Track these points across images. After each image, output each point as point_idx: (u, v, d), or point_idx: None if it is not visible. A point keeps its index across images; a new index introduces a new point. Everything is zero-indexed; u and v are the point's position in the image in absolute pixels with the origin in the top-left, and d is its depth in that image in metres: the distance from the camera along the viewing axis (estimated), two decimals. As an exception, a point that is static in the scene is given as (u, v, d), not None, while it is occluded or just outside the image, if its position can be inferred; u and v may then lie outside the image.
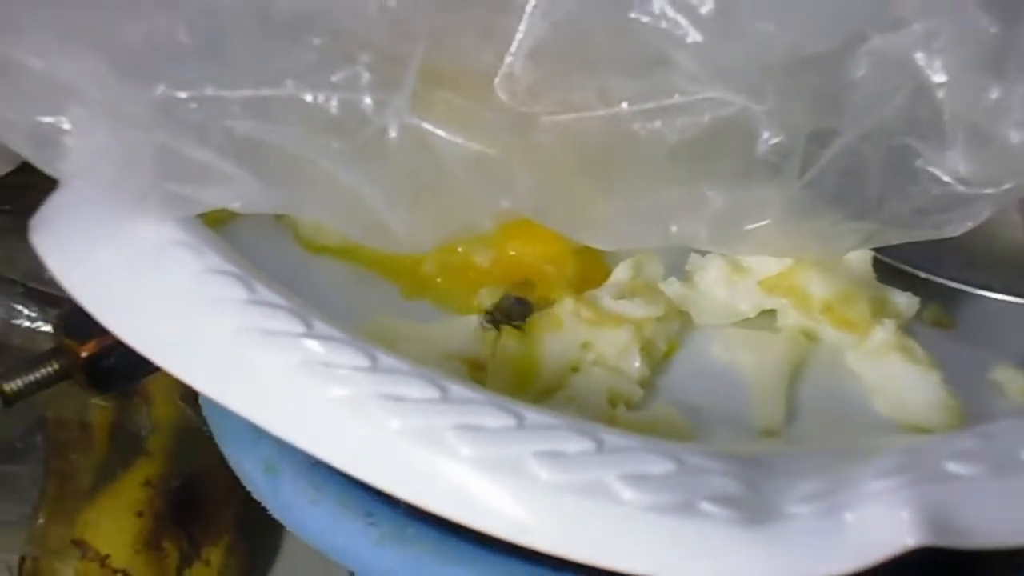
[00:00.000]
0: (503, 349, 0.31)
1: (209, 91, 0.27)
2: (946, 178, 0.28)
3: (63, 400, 0.49)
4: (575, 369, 0.32)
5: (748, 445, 0.30)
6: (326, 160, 0.28)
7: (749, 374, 0.32)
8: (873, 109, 0.28)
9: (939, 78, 0.27)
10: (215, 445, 0.35)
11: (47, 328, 0.47)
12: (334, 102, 0.27)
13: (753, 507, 0.24)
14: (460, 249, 0.35)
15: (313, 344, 0.27)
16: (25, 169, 0.37)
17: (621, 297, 0.33)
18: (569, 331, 0.32)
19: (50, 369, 0.34)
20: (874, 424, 0.31)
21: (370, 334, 0.28)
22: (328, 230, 0.35)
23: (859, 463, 0.25)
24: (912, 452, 0.25)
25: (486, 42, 0.28)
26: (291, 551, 0.52)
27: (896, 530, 0.23)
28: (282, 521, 0.32)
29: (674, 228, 0.29)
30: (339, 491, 0.30)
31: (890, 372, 0.31)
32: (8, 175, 0.39)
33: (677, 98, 0.28)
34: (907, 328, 0.33)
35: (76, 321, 0.34)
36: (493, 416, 0.25)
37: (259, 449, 0.32)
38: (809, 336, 0.33)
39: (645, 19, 0.27)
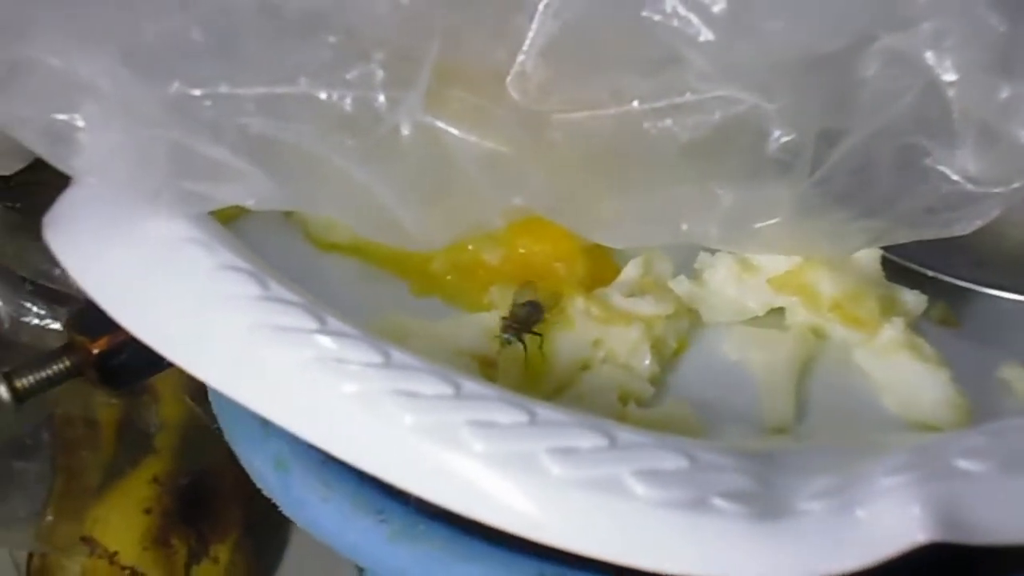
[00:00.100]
0: (515, 349, 0.31)
1: (223, 89, 0.27)
2: (955, 177, 0.29)
3: (71, 397, 0.49)
4: (585, 367, 0.32)
5: (758, 442, 0.30)
6: (339, 157, 0.28)
7: (758, 372, 0.32)
8: (883, 108, 0.28)
9: (949, 77, 0.28)
10: (223, 443, 0.35)
11: (55, 325, 0.47)
12: (348, 100, 0.27)
13: (765, 503, 0.24)
14: (470, 247, 0.35)
15: (326, 340, 0.27)
16: (34, 167, 0.38)
17: (631, 295, 0.33)
18: (579, 329, 0.32)
19: (61, 366, 0.34)
20: (883, 421, 0.31)
21: (380, 331, 0.28)
22: (338, 227, 0.35)
23: (869, 460, 0.25)
24: (922, 449, 0.25)
25: (498, 41, 0.28)
26: (298, 548, 0.52)
27: (907, 526, 0.23)
28: (293, 518, 0.32)
29: (685, 226, 0.30)
30: (350, 488, 0.30)
31: (899, 370, 0.31)
32: (17, 173, 0.39)
33: (688, 96, 0.28)
34: (915, 326, 0.33)
35: (88, 318, 0.34)
36: (506, 412, 0.25)
37: (270, 446, 0.32)
38: (818, 334, 0.33)
39: (657, 18, 0.27)
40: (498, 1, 0.28)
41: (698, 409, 0.31)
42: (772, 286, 0.33)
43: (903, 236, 0.30)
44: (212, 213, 0.31)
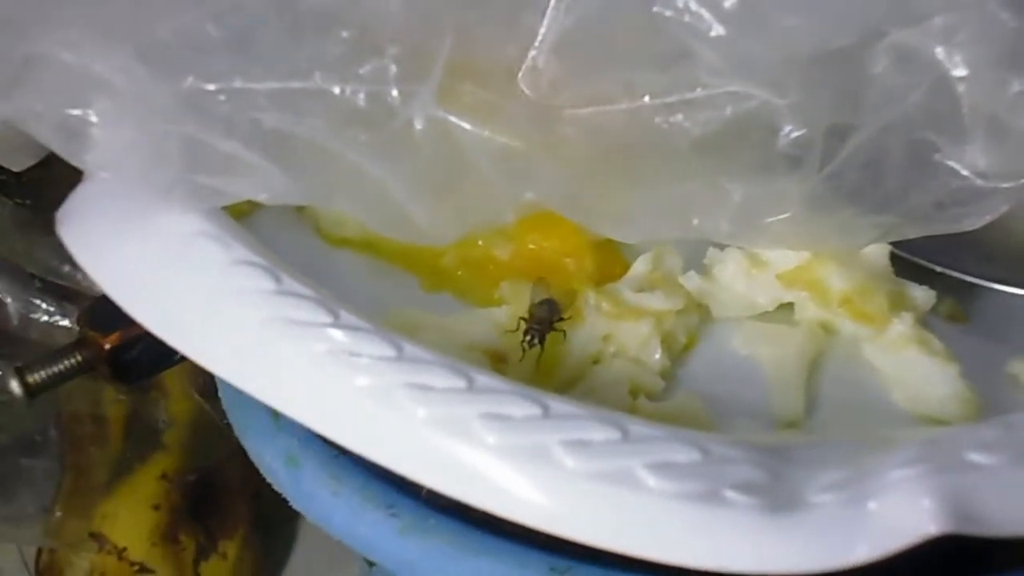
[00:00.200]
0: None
1: (237, 84, 0.27)
2: (965, 172, 0.29)
3: (79, 394, 0.49)
4: (596, 361, 0.32)
5: (769, 436, 0.30)
6: (352, 152, 0.28)
7: (768, 366, 0.32)
8: (893, 103, 0.28)
9: (959, 72, 0.28)
10: (231, 439, 0.36)
11: (65, 322, 0.47)
12: (361, 95, 0.28)
13: (777, 496, 0.24)
14: (480, 242, 0.35)
15: (339, 334, 0.27)
16: (46, 163, 0.38)
17: (641, 290, 0.33)
18: (590, 324, 0.32)
19: (73, 361, 0.34)
20: (892, 416, 0.31)
21: (391, 326, 0.28)
22: (349, 223, 0.35)
23: (880, 453, 0.25)
24: (933, 442, 0.25)
25: (510, 36, 0.28)
26: (306, 544, 0.52)
27: (919, 518, 0.23)
28: (303, 513, 0.32)
29: (695, 221, 0.30)
30: (360, 482, 0.30)
31: (908, 365, 0.31)
32: (28, 170, 0.40)
33: (699, 92, 0.28)
34: (924, 322, 0.33)
35: (100, 313, 0.34)
36: (519, 405, 0.25)
37: (280, 441, 0.32)
38: (827, 329, 0.33)
39: (668, 13, 0.27)
40: (510, -3, 0.28)
41: (708, 403, 0.31)
42: (781, 281, 0.33)
43: (912, 231, 0.30)
44: (224, 208, 0.31)
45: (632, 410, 0.30)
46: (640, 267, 0.34)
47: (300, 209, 0.36)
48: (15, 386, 0.34)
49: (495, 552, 0.28)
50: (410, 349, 0.27)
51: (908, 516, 0.23)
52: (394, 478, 0.28)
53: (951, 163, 0.29)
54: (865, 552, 0.23)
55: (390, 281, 0.35)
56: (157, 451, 0.49)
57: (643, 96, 0.28)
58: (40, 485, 0.48)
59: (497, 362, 0.31)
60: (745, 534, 0.24)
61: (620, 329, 0.32)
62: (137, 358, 0.34)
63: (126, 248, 0.30)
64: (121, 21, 0.28)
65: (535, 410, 0.25)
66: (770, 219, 0.30)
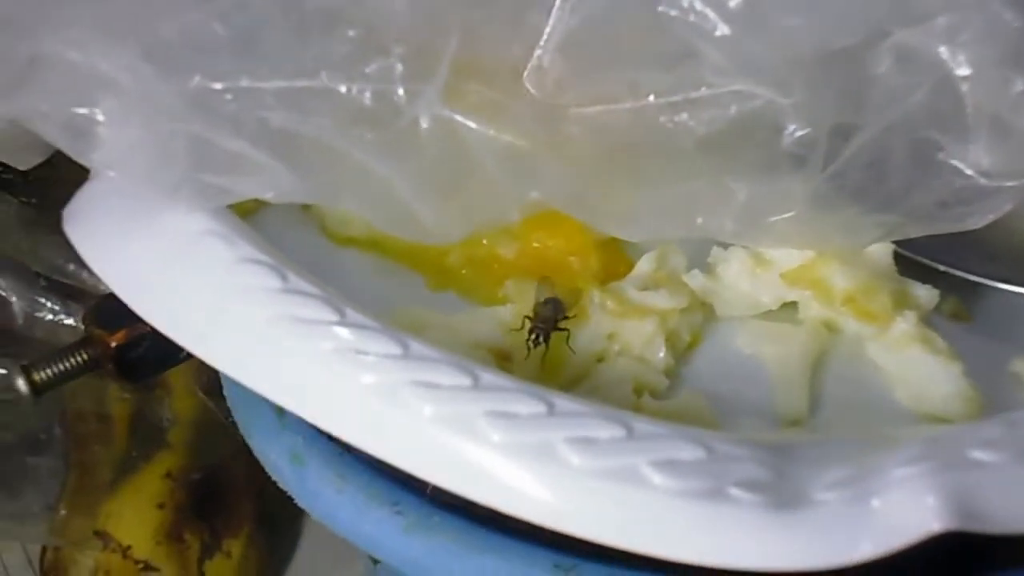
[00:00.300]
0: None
1: (244, 83, 0.28)
2: (968, 171, 0.29)
3: (84, 393, 0.49)
4: (601, 359, 0.32)
5: (773, 434, 0.30)
6: (358, 151, 0.28)
7: (772, 365, 0.32)
8: (897, 102, 0.28)
9: (962, 72, 0.28)
10: (235, 437, 0.36)
11: (70, 321, 0.47)
12: (367, 93, 0.28)
13: (781, 493, 0.24)
14: (485, 241, 0.35)
15: (345, 332, 0.27)
16: (52, 162, 0.38)
17: (645, 289, 0.33)
18: (594, 322, 0.32)
19: (79, 359, 0.35)
20: (895, 414, 0.31)
21: (397, 324, 0.28)
22: (355, 222, 0.35)
23: (884, 451, 0.25)
24: (936, 440, 0.25)
25: (516, 35, 0.28)
26: (311, 542, 0.52)
27: (922, 516, 0.23)
28: (308, 510, 0.32)
29: (700, 220, 0.30)
30: (365, 480, 0.31)
31: (911, 363, 0.32)
32: (33, 168, 0.40)
33: (704, 91, 0.28)
34: (927, 320, 0.33)
35: (105, 311, 0.34)
36: (524, 403, 0.26)
37: (285, 439, 0.32)
38: (831, 328, 0.33)
39: (673, 12, 0.28)
40: (515, -3, 0.28)
41: (712, 401, 0.31)
42: (785, 280, 0.33)
43: (916, 230, 0.30)
44: (231, 207, 0.31)
45: (636, 408, 0.30)
46: (644, 266, 0.34)
47: (306, 208, 0.36)
48: (21, 384, 0.34)
49: (500, 550, 0.28)
50: (416, 347, 0.27)
51: (912, 514, 0.23)
52: (399, 476, 0.28)
53: (954, 162, 0.29)
54: (869, 549, 0.23)
55: (395, 280, 0.35)
56: (162, 449, 0.49)
57: (648, 95, 0.28)
58: (45, 483, 0.48)
59: (502, 360, 0.31)
60: (749, 531, 0.24)
61: (624, 327, 0.32)
62: (143, 356, 0.35)
63: (132, 246, 0.30)
64: (127, 20, 0.28)
65: (540, 408, 0.25)
66: (774, 218, 0.30)
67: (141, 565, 0.47)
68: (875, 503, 0.24)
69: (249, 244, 0.29)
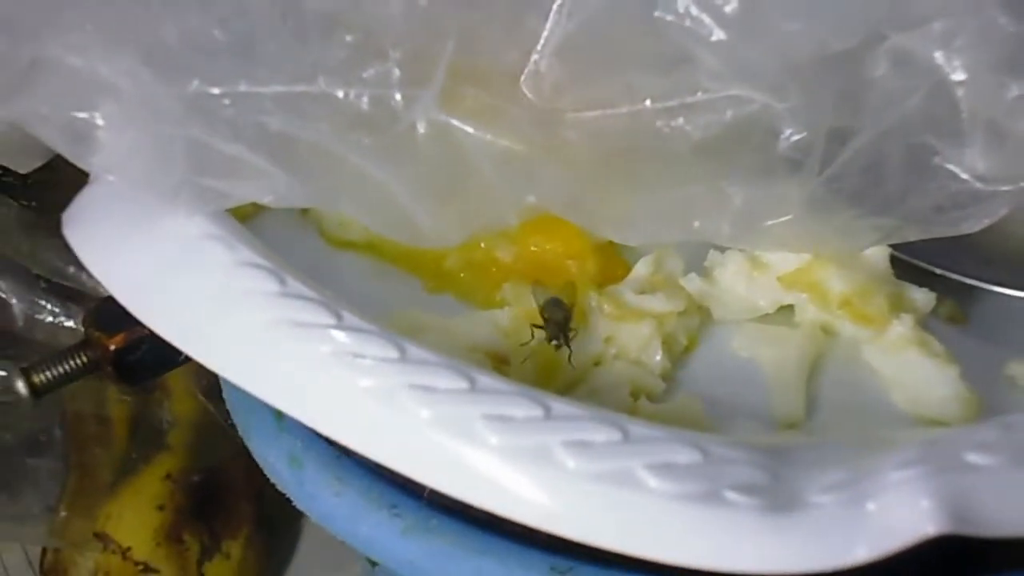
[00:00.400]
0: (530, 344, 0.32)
1: (242, 87, 0.28)
2: (964, 175, 0.29)
3: (84, 395, 0.49)
4: (597, 363, 0.32)
5: (769, 438, 0.30)
6: (356, 155, 0.28)
7: (768, 368, 0.32)
8: (892, 107, 0.28)
9: (958, 76, 0.28)
10: (235, 439, 0.36)
11: (70, 323, 0.47)
12: (365, 98, 0.28)
13: (777, 496, 0.24)
14: (483, 245, 0.35)
15: (343, 335, 0.27)
16: (51, 165, 0.38)
17: (642, 292, 0.33)
18: (592, 325, 0.32)
19: (79, 362, 0.35)
20: (892, 417, 0.31)
21: (394, 327, 0.28)
22: (353, 225, 0.35)
23: (880, 454, 0.25)
24: (932, 443, 0.25)
25: (513, 40, 0.28)
26: (310, 544, 0.52)
27: (917, 519, 0.23)
28: (307, 512, 0.32)
29: (696, 224, 0.30)
30: (363, 483, 0.31)
31: (907, 366, 0.32)
32: (33, 172, 0.40)
33: (700, 96, 0.28)
34: (924, 323, 0.33)
35: (105, 314, 0.34)
36: (521, 406, 0.26)
37: (283, 442, 0.33)
38: (827, 331, 0.33)
39: (669, 17, 0.28)
40: (512, 1, 0.28)
41: (709, 405, 0.31)
42: (782, 283, 0.33)
43: (912, 234, 0.30)
44: (229, 211, 0.31)
45: (633, 411, 0.30)
46: (641, 269, 0.34)
47: (304, 211, 0.36)
48: (21, 386, 0.34)
49: (497, 552, 0.28)
50: (413, 351, 0.27)
51: (907, 517, 0.23)
52: (397, 478, 0.28)
53: (950, 166, 0.29)
54: (864, 553, 0.23)
55: (393, 283, 0.35)
56: (161, 451, 0.49)
57: (644, 100, 0.28)
58: (45, 485, 0.48)
59: (499, 364, 0.31)
60: (745, 534, 0.24)
61: (621, 331, 0.32)
62: (142, 359, 0.35)
63: (131, 250, 0.30)
64: (127, 25, 0.28)
65: (537, 411, 0.26)
66: (771, 222, 0.30)
67: (141, 566, 0.47)
68: (870, 506, 0.24)
69: (248, 248, 0.29)
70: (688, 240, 0.31)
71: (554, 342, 0.31)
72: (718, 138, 0.29)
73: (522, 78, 0.29)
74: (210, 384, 0.49)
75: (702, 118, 0.28)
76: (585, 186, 0.30)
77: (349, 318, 0.28)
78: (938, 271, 0.34)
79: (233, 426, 0.36)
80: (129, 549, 0.47)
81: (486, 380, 0.26)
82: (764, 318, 0.34)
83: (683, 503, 0.24)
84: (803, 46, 0.28)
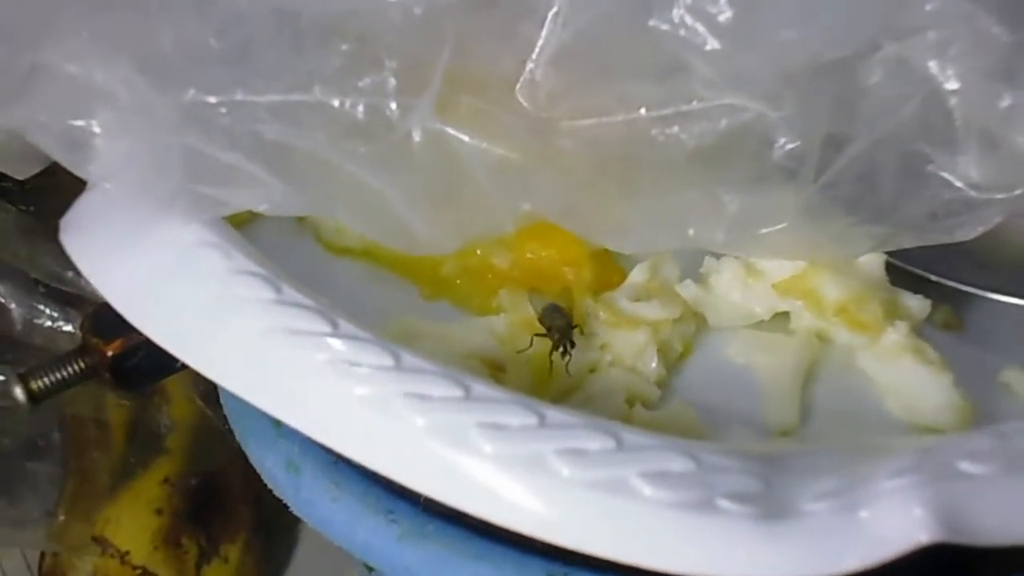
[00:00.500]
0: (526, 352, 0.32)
1: (238, 96, 0.28)
2: (958, 183, 0.29)
3: (82, 399, 0.49)
4: (593, 370, 0.32)
5: (763, 445, 0.30)
6: (352, 164, 0.28)
7: (763, 375, 0.32)
8: (887, 115, 0.28)
9: (952, 85, 0.28)
10: (233, 444, 0.36)
11: (68, 327, 0.47)
12: (360, 107, 0.28)
13: (770, 504, 0.24)
14: (479, 251, 0.35)
15: (339, 343, 0.27)
16: (49, 171, 0.38)
17: (638, 299, 0.33)
18: (587, 332, 0.32)
19: (76, 368, 0.35)
20: (886, 425, 0.31)
21: (391, 334, 0.29)
22: (349, 231, 0.35)
23: (873, 462, 0.25)
24: (925, 451, 0.25)
25: (508, 49, 0.28)
26: (308, 548, 0.52)
27: (910, 527, 0.23)
28: (304, 518, 0.33)
29: (691, 231, 0.30)
30: (360, 488, 0.31)
31: (902, 373, 0.32)
32: (31, 177, 0.40)
33: (695, 104, 0.28)
34: (919, 330, 0.33)
35: (102, 320, 0.34)
36: (515, 414, 0.26)
37: (281, 447, 0.33)
38: (822, 338, 0.33)
39: (664, 27, 0.28)
40: (508, 10, 0.28)
41: (703, 412, 0.31)
42: (777, 290, 0.33)
43: (907, 241, 0.30)
44: (226, 217, 0.31)
45: (627, 419, 0.30)
46: (637, 276, 0.34)
47: (301, 217, 0.36)
48: (19, 393, 0.34)
49: (493, 558, 0.29)
50: (408, 359, 0.27)
51: (899, 525, 0.23)
52: (393, 484, 0.28)
53: (944, 174, 0.29)
54: (856, 561, 0.23)
55: (390, 288, 0.35)
56: (160, 455, 0.49)
57: (639, 108, 0.28)
58: (44, 489, 0.48)
59: (495, 370, 0.31)
60: (738, 542, 0.24)
61: (617, 338, 0.32)
62: (139, 365, 0.35)
63: (128, 257, 0.30)
64: (124, 33, 0.28)
65: (531, 419, 0.26)
66: (766, 229, 0.30)
67: (139, 570, 0.47)
68: (863, 514, 0.24)
69: (244, 255, 0.30)
70: (683, 247, 0.31)
71: (560, 350, 0.31)
72: (713, 146, 0.29)
73: (517, 86, 0.29)
74: (208, 389, 0.50)
75: (697, 126, 0.28)
76: (580, 194, 0.30)
77: (345, 326, 0.28)
78: (933, 277, 0.34)
79: (231, 430, 0.36)
80: (127, 553, 0.47)
81: (481, 388, 0.26)
82: (759, 325, 0.34)
83: (676, 511, 0.24)
84: (797, 55, 0.28)
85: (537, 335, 0.32)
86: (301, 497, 0.32)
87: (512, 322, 0.32)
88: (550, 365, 0.32)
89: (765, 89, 0.28)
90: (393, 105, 0.28)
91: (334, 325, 0.28)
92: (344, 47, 0.28)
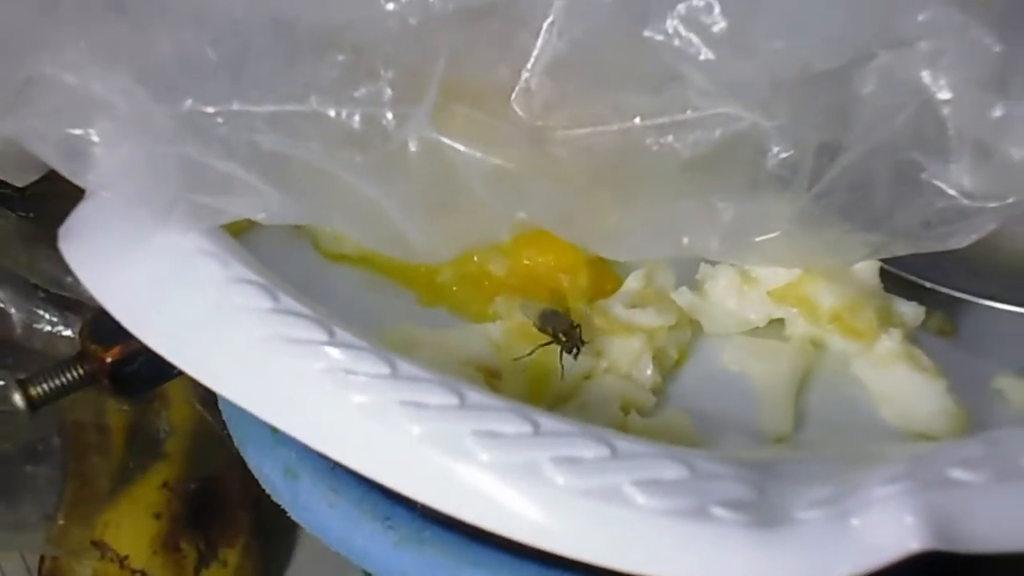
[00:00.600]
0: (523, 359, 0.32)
1: (235, 106, 0.28)
2: (951, 192, 0.29)
3: (82, 404, 0.49)
4: (588, 377, 0.32)
5: (757, 451, 0.30)
6: (348, 174, 0.28)
7: (758, 382, 0.33)
8: (880, 124, 0.29)
9: (944, 95, 0.28)
10: (232, 448, 0.36)
11: (68, 333, 0.47)
12: (356, 117, 0.28)
13: (763, 512, 0.24)
14: (475, 259, 0.35)
15: (335, 352, 0.27)
16: (49, 178, 0.38)
17: (633, 306, 0.33)
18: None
19: (75, 374, 0.35)
20: (880, 431, 0.31)
21: (388, 341, 0.29)
22: (347, 239, 0.35)
23: (866, 470, 0.25)
24: (917, 459, 0.26)
25: (503, 59, 0.29)
26: (306, 552, 0.52)
27: (901, 535, 0.23)
28: (301, 524, 0.33)
29: (686, 239, 0.30)
30: (357, 495, 0.31)
31: (896, 380, 0.32)
32: (31, 184, 0.40)
33: (689, 113, 0.28)
34: (913, 337, 0.33)
35: (101, 327, 0.35)
36: (510, 422, 0.26)
37: (279, 453, 0.33)
38: (817, 345, 0.34)
39: (658, 37, 0.28)
40: (503, 20, 0.28)
41: (698, 419, 0.31)
42: (772, 298, 0.33)
43: (901, 249, 0.30)
44: (223, 225, 0.31)
45: (623, 426, 0.30)
46: (633, 283, 0.34)
47: (299, 225, 0.36)
48: (18, 399, 0.35)
49: (489, 564, 0.29)
50: (404, 367, 0.27)
51: (891, 533, 0.23)
52: (391, 491, 0.28)
53: (937, 183, 0.29)
54: (848, 568, 0.23)
55: (387, 296, 0.35)
56: (159, 460, 0.49)
57: (634, 118, 0.29)
58: (43, 493, 0.48)
59: (491, 378, 0.31)
60: (732, 550, 0.24)
61: (612, 345, 0.32)
62: (138, 371, 0.35)
63: (126, 266, 0.31)
64: (121, 44, 0.28)
65: (526, 427, 0.26)
66: (760, 238, 0.30)
67: (138, 574, 0.47)
68: (855, 522, 0.24)
69: (241, 264, 0.30)
70: (678, 256, 0.31)
71: (566, 353, 0.31)
72: (707, 155, 0.29)
73: (513, 96, 0.29)
74: (207, 393, 0.49)
75: (691, 135, 0.29)
76: (576, 202, 0.30)
77: (342, 334, 0.28)
78: (927, 284, 0.34)
79: (230, 435, 0.36)
80: (126, 557, 0.47)
81: (476, 396, 0.27)
82: (754, 332, 0.34)
83: (670, 519, 0.24)
84: (791, 65, 0.28)
85: (541, 344, 0.32)
86: (299, 503, 0.32)
87: (509, 329, 0.33)
88: (561, 370, 0.32)
89: (759, 98, 0.28)
90: (389, 115, 0.28)
91: (331, 333, 0.28)
92: (340, 57, 0.28)
